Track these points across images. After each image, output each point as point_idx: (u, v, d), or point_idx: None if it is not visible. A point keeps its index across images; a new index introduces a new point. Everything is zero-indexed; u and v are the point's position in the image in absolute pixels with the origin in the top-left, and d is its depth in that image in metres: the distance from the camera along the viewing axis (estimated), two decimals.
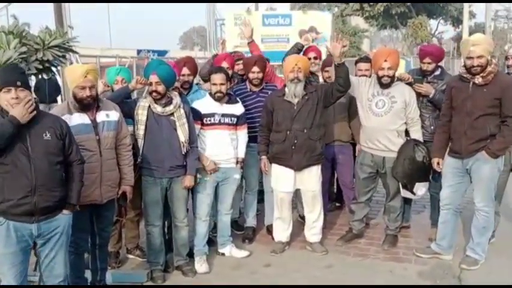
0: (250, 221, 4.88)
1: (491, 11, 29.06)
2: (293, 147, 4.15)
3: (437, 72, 4.46)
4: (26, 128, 2.77)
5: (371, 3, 28.10)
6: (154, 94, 3.78)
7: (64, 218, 2.95)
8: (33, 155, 2.76)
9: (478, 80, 3.73)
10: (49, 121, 2.90)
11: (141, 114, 3.80)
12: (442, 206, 4.15)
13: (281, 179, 4.30)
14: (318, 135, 4.19)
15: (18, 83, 2.74)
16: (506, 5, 36.45)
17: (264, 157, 4.35)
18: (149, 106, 3.81)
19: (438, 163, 4.08)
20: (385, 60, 4.15)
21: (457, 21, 30.12)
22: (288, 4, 34.89)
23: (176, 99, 3.87)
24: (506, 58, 4.23)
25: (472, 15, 30.41)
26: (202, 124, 4.11)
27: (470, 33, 25.44)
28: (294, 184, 4.30)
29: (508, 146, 3.83)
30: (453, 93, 3.91)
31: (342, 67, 4.07)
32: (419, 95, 4.38)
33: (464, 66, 3.82)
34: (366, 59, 4.86)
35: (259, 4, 23.44)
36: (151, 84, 3.78)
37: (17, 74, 2.80)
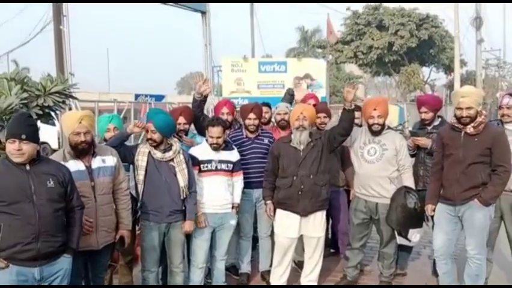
0: (245, 267, 4.86)
1: (482, 60, 29.86)
2: (300, 193, 4.16)
3: (437, 123, 4.62)
4: (31, 175, 2.85)
5: (364, 52, 28.76)
6: (150, 141, 3.89)
7: (65, 261, 3.00)
8: (38, 202, 2.83)
9: (470, 129, 3.83)
10: (52, 168, 2.98)
11: (141, 160, 3.89)
12: (437, 256, 4.13)
13: (286, 225, 4.28)
14: (323, 180, 4.23)
15: (23, 136, 2.82)
16: (497, 53, 37.41)
17: (269, 202, 4.34)
18: (150, 152, 3.90)
19: (431, 209, 4.13)
20: (374, 109, 4.31)
21: (448, 69, 30.82)
22: (283, 51, 35.83)
23: (176, 145, 3.96)
24: (500, 107, 4.33)
25: (464, 63, 31.21)
26: (200, 170, 4.18)
27: (462, 81, 25.99)
28: (299, 230, 4.29)
29: (499, 194, 3.90)
30: (445, 142, 4.02)
31: (351, 113, 4.11)
32: (417, 147, 4.53)
33: (455, 116, 3.94)
34: (357, 108, 5.00)
35: (256, 51, 24.06)
36: (147, 132, 3.89)
37: (24, 126, 2.87)
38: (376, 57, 28.81)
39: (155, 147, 3.89)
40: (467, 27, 26.07)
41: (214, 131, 4.16)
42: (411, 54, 29.39)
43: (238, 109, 5.23)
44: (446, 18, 33.39)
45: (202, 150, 4.25)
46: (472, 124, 3.81)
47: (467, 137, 3.85)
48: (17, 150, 2.81)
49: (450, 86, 30.27)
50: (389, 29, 27.75)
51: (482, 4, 23.76)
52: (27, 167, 2.87)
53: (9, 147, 2.83)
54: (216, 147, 4.19)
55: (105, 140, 4.39)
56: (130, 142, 6.83)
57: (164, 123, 3.91)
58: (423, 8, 28.47)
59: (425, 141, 4.48)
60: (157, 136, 3.87)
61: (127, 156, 3.89)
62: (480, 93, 4.00)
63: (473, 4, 23.51)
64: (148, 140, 3.90)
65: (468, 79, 32.28)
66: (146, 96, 15.90)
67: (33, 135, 2.90)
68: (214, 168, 4.19)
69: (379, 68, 31.45)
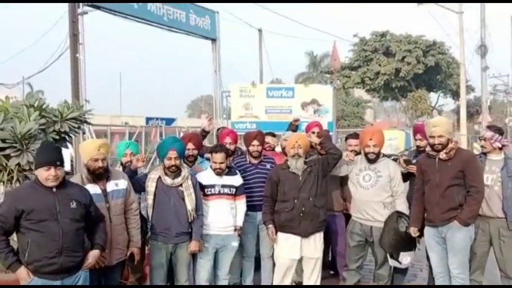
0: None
1: (490, 86, 29.96)
2: (301, 215, 4.41)
3: (429, 149, 4.84)
4: (57, 197, 3.17)
5: (372, 78, 29.07)
6: (173, 168, 4.19)
7: (83, 273, 3.30)
8: (62, 221, 3.14)
9: (443, 155, 4.16)
10: (76, 191, 3.31)
11: (150, 186, 4.22)
12: (436, 274, 4.36)
13: (288, 247, 4.49)
14: (321, 202, 4.50)
15: (58, 163, 3.17)
16: (505, 79, 37.50)
17: (271, 226, 4.55)
18: (159, 178, 4.20)
19: (415, 231, 4.37)
20: (370, 139, 4.62)
21: (456, 95, 30.97)
22: (292, 77, 36.24)
23: (185, 171, 4.27)
24: (480, 139, 4.60)
25: (471, 89, 31.34)
26: (204, 194, 4.46)
27: (470, 106, 25.93)
28: (300, 251, 4.50)
29: (476, 214, 4.19)
30: (423, 169, 4.34)
31: (325, 141, 4.60)
32: (411, 175, 4.77)
33: (429, 144, 4.28)
34: (356, 135, 5.27)
35: (264, 77, 24.50)
36: (170, 159, 4.17)
37: (56, 154, 3.23)
38: (383, 83, 29.09)
39: (170, 173, 4.19)
40: (474, 54, 26.31)
41: (217, 157, 4.46)
42: (419, 80, 29.63)
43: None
44: (452, 45, 33.61)
45: (206, 175, 4.56)
46: (444, 150, 4.14)
47: (441, 162, 4.17)
48: (54, 176, 3.14)
49: (458, 112, 30.40)
50: (396, 55, 28.13)
51: (488, 31, 24.00)
52: (54, 190, 3.18)
53: (45, 174, 3.15)
54: (220, 172, 4.48)
55: (121, 163, 4.72)
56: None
57: (183, 149, 4.34)
58: (430, 35, 28.88)
59: None
60: (179, 162, 4.22)
61: (138, 186, 4.23)
62: (450, 123, 4.38)
63: (479, 30, 23.73)
64: (170, 167, 4.17)
65: (476, 104, 32.39)
66: (157, 119, 16.34)
67: (63, 161, 3.25)
68: (217, 192, 4.48)
69: (386, 93, 31.70)
